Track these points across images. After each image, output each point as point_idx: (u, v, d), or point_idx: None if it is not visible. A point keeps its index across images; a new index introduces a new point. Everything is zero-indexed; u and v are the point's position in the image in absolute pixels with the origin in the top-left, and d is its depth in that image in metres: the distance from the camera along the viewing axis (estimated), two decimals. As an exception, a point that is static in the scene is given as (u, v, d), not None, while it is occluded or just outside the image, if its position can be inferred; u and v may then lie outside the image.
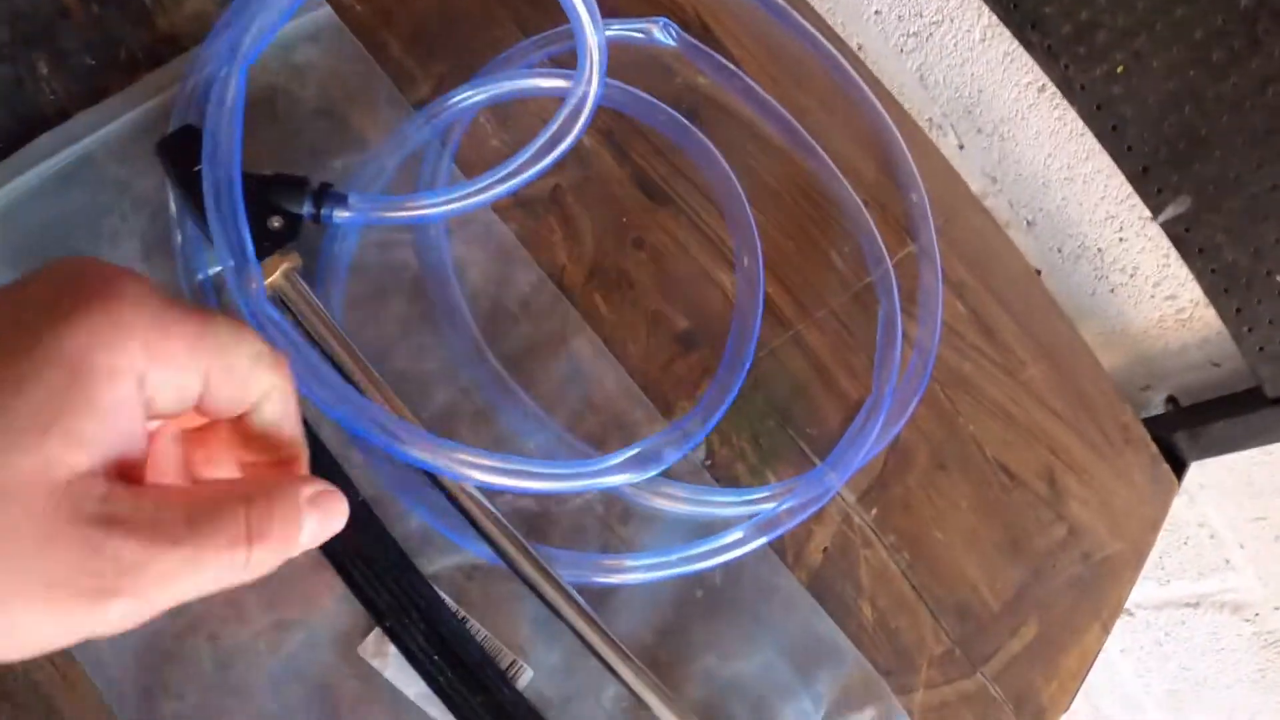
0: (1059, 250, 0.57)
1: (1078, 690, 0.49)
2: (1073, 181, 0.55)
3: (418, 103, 0.43)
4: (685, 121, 0.45)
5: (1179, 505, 0.64)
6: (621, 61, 0.46)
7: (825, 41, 0.51)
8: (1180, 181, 0.50)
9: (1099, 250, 0.56)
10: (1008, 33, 0.53)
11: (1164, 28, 0.47)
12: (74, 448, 0.17)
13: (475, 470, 0.34)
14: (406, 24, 0.45)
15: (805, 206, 0.47)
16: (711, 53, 0.48)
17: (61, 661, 0.33)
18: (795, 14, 0.52)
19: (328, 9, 0.44)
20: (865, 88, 0.51)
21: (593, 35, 0.38)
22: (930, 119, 0.59)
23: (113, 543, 0.17)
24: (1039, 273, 0.58)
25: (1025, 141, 0.56)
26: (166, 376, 0.20)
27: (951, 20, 0.55)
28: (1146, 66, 0.48)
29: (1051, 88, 0.53)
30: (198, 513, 0.19)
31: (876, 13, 0.58)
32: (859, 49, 0.59)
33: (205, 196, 0.35)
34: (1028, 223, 0.58)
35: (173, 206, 0.39)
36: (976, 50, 0.55)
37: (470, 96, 0.42)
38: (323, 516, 0.22)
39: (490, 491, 0.36)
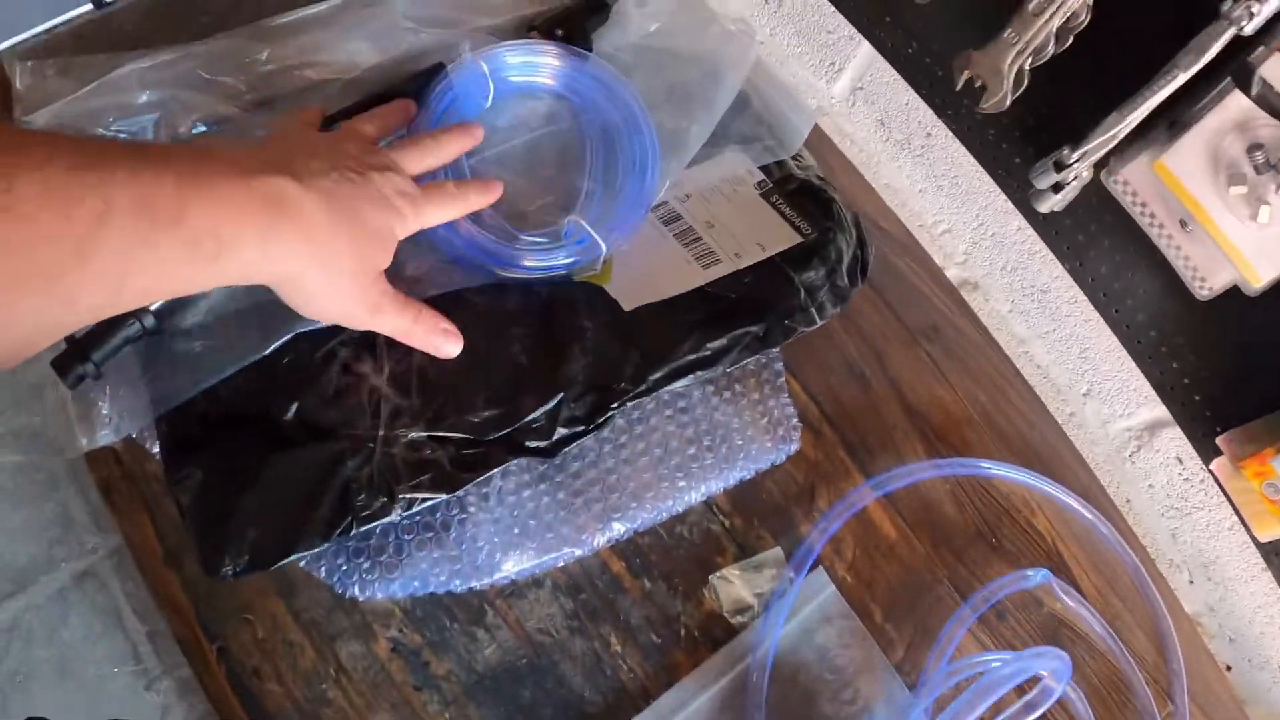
0: (1249, 660, 0.81)
1: None
2: (1272, 623, 0.78)
3: (896, 663, 0.64)
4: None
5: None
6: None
7: (1130, 552, 0.72)
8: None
9: (1278, 665, 0.79)
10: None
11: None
12: (384, 263, 0.49)
13: None
14: (883, 591, 0.65)
15: (1116, 696, 0.70)
16: (1066, 585, 0.69)
17: None
18: (1109, 527, 0.72)
19: (833, 589, 0.63)
20: (1152, 585, 0.72)
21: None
22: (1172, 560, 0.80)
23: (383, 304, 0.50)
24: (1229, 668, 0.81)
25: (1242, 596, 0.78)
26: None
27: (1208, 510, 0.76)
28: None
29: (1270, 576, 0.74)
30: (406, 308, 0.51)
31: (1150, 486, 0.78)
32: (1127, 503, 0.80)
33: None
34: (1230, 639, 0.81)
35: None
36: (1223, 535, 0.76)
37: (946, 682, 0.63)
38: (447, 339, 0.53)
39: None
